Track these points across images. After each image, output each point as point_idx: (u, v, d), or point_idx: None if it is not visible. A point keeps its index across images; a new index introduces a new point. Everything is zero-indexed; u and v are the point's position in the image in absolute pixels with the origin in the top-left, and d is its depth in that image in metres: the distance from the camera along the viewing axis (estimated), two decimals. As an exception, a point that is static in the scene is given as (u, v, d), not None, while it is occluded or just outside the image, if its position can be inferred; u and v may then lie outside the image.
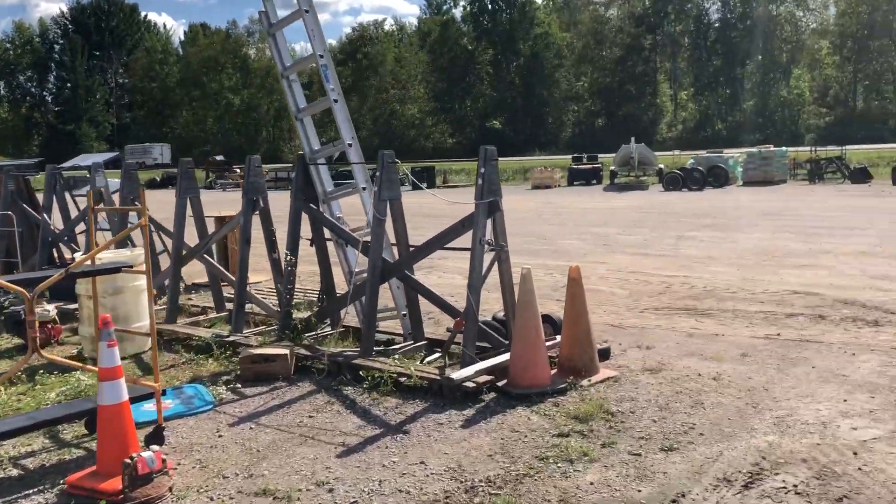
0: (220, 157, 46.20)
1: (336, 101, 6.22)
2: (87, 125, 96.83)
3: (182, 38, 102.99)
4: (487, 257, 5.55)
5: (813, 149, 28.41)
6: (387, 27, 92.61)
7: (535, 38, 75.34)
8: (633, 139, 29.08)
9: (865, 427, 4.27)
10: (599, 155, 34.17)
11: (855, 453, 3.91)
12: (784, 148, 29.10)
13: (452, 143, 78.87)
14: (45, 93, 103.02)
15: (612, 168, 30.01)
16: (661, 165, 29.04)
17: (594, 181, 31.23)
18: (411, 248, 5.97)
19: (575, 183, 31.63)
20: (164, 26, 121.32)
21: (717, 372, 5.39)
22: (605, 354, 5.81)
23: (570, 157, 35.63)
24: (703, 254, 11.24)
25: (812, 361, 5.60)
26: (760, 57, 65.21)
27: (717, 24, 70.72)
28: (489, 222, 5.47)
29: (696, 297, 8.11)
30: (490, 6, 78.85)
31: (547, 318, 6.14)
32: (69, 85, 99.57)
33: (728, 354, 5.86)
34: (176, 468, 4.03)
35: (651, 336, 6.52)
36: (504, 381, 5.12)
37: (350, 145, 6.25)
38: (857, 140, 44.96)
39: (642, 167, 29.64)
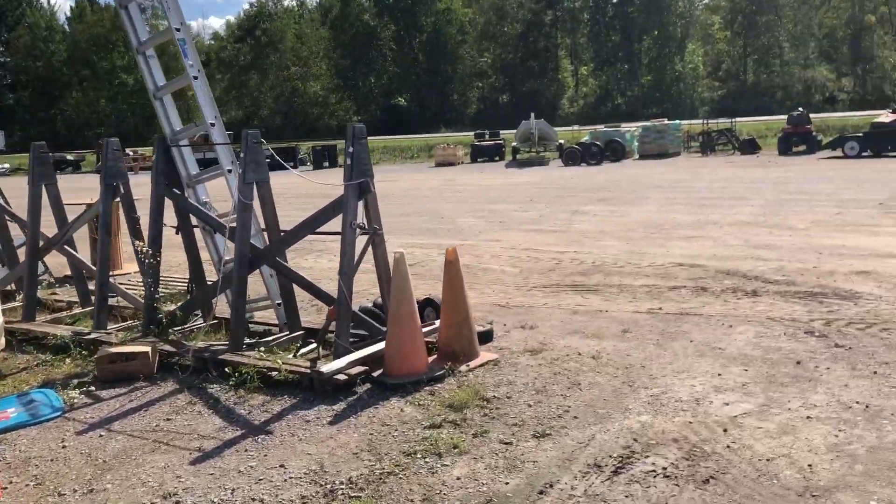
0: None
1: (196, 77, 5.80)
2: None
3: (68, 14, 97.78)
4: (362, 241, 5.29)
5: (705, 121, 29.25)
6: (286, 3, 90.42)
7: (438, 13, 74.85)
8: (532, 115, 29.21)
9: (737, 402, 4.25)
10: (503, 131, 34.25)
11: (725, 430, 3.87)
12: (678, 121, 29.87)
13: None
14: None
15: (514, 144, 30.13)
16: (562, 141, 29.33)
17: (497, 158, 31.29)
18: (282, 234, 5.65)
19: (479, 160, 31.63)
20: (48, 2, 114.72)
21: (598, 350, 5.32)
22: (487, 337, 5.66)
23: (473, 133, 35.57)
24: (595, 228, 11.30)
25: (690, 335, 5.60)
26: (657, 32, 66.75)
27: (614, 0, 71.94)
28: (360, 204, 5.19)
29: (584, 273, 8.09)
30: (390, -19, 77.94)
31: (429, 302, 5.95)
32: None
33: (609, 331, 5.81)
34: (6, 488, 3.64)
35: (536, 315, 6.42)
36: (379, 371, 4.89)
37: (213, 125, 5.85)
38: (748, 112, 46.64)
39: (543, 143, 29.87)
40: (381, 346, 5.03)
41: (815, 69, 63.05)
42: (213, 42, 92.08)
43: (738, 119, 31.16)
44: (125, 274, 9.32)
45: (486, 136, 33.04)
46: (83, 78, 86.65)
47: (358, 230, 5.12)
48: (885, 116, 22.93)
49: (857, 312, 5.98)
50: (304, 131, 73.07)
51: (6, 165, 47.34)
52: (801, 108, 27.47)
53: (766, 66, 66.05)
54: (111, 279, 6.58)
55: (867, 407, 4.08)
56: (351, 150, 5.13)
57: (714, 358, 5.04)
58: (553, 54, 74.77)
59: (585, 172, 22.87)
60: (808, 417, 3.98)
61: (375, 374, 4.86)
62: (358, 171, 5.14)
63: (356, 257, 5.15)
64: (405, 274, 4.90)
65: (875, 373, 4.60)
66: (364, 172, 5.17)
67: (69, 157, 45.60)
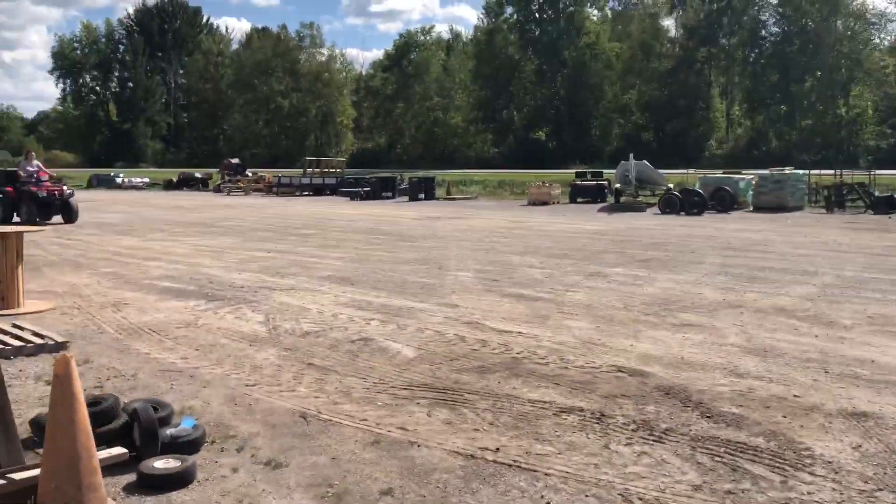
0: (235, 160, 45.24)
1: None
2: (143, 124, 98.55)
3: (242, 40, 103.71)
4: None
5: (837, 173, 25.37)
6: (440, 34, 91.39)
7: (582, 47, 72.67)
8: (631, 155, 26.51)
9: None
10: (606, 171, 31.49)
11: None
12: (801, 171, 26.13)
13: (495, 152, 76.83)
14: (107, 92, 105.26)
15: (616, 186, 27.56)
16: (670, 185, 26.41)
17: (599, 199, 28.80)
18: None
19: (578, 200, 29.26)
20: (226, 29, 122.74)
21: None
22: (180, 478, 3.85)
23: (574, 172, 33.06)
24: (585, 300, 9.06)
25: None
26: (818, 73, 61.06)
27: (773, 38, 66.78)
28: None
29: (483, 370, 6.03)
30: (537, 15, 76.57)
31: (135, 415, 4.23)
32: (130, 85, 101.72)
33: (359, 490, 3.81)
34: None
35: (315, 442, 4.50)
36: None
37: None
38: (918, 165, 40.98)
39: (648, 186, 27.13)
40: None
41: None
42: (370, 71, 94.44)
43: (883, 172, 26.85)
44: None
45: (588, 176, 30.58)
46: (245, 101, 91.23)
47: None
48: None
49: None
50: (442, 161, 72.88)
51: (146, 179, 49.84)
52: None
53: (948, 113, 58.67)
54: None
55: None
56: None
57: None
58: (704, 92, 70.41)
59: (669, 224, 20.09)
60: None
61: None
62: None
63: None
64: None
65: None
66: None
67: (197, 174, 47.27)
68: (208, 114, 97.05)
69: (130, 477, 3.94)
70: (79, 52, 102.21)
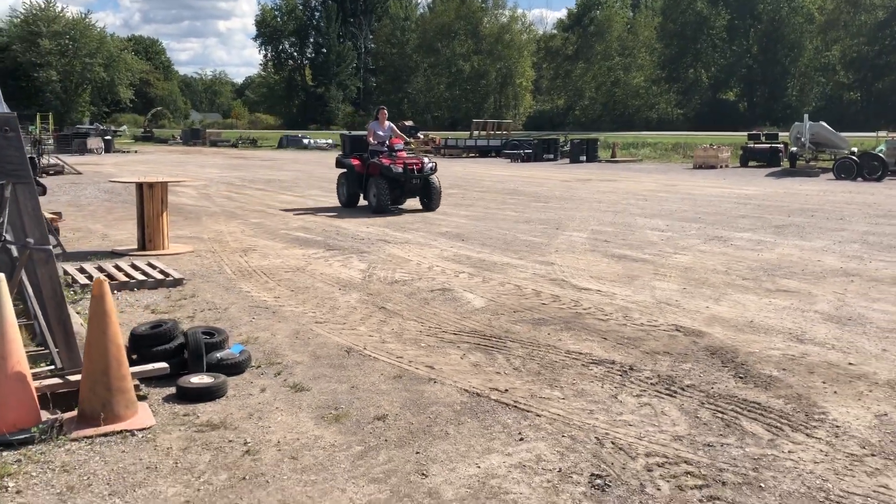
0: (408, 123, 46.71)
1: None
2: (335, 88, 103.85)
3: (429, 4, 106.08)
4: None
5: None
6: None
7: (779, 0, 67.47)
8: (805, 116, 24.55)
9: None
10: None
11: None
12: None
13: (678, 114, 73.68)
14: (303, 58, 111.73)
15: (792, 150, 25.77)
16: (853, 149, 24.31)
17: (773, 163, 27.07)
18: None
19: (750, 164, 27.67)
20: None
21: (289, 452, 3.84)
22: (206, 394, 4.45)
23: (747, 134, 30.94)
24: (688, 262, 8.86)
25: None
26: None
27: None
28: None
29: (537, 321, 6.21)
30: (729, -34, 71.92)
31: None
32: (324, 50, 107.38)
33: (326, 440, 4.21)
34: None
35: (344, 374, 4.96)
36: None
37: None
38: None
39: (830, 150, 25.13)
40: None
41: None
42: (552, 31, 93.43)
43: None
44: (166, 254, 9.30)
45: (762, 138, 28.72)
46: (428, 64, 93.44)
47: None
48: None
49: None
50: (622, 123, 71.07)
51: (329, 140, 52.73)
52: None
53: None
54: None
55: None
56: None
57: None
58: (920, 47, 63.22)
59: (836, 190, 18.62)
60: None
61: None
62: (-2, 173, 3.96)
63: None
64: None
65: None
66: (9, 173, 4.26)
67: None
68: (394, 77, 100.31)
69: (172, 389, 4.57)
70: (279, 19, 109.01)
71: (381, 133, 13.99)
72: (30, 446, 3.75)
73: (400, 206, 14.33)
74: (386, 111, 14.55)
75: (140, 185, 9.55)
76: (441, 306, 6.81)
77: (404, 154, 13.81)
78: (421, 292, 7.38)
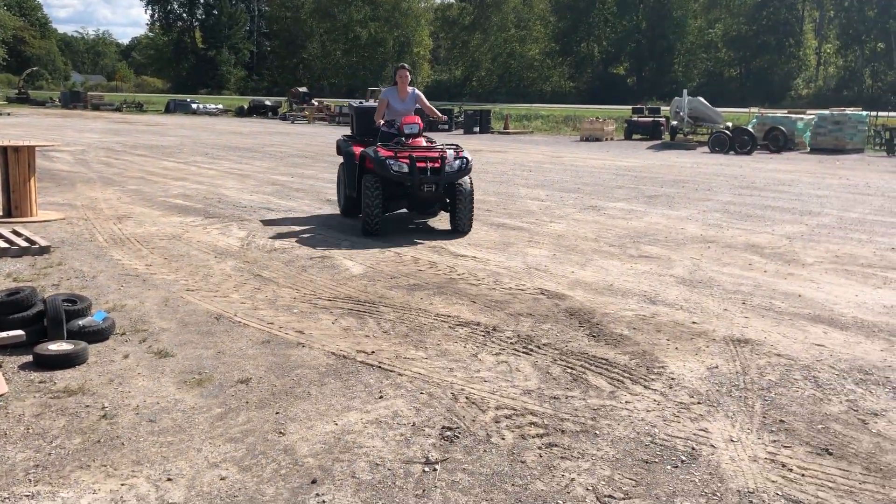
0: (302, 89, 46.01)
1: None
2: (227, 52, 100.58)
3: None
4: None
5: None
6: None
7: (666, -23, 69.79)
8: (684, 91, 25.74)
9: None
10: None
11: None
12: (863, 112, 24.85)
13: (571, 87, 75.41)
14: (194, 19, 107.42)
15: (673, 123, 26.91)
16: (728, 123, 25.62)
17: (655, 136, 28.20)
18: None
19: (634, 136, 28.74)
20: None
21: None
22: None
23: (631, 108, 32.21)
24: (562, 230, 9.23)
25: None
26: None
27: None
28: None
29: (413, 287, 6.37)
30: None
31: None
32: (215, 12, 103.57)
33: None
34: None
35: (209, 341, 4.98)
36: None
37: None
38: None
39: (704, 124, 26.39)
40: None
41: None
42: (449, 1, 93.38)
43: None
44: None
45: (645, 112, 29.88)
46: (324, 30, 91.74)
47: None
48: None
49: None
50: (517, 95, 72.06)
51: (220, 105, 51.24)
52: None
53: None
54: None
55: None
56: None
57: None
58: (794, 28, 66.94)
59: (708, 162, 19.64)
60: None
61: None
62: None
63: None
64: None
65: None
66: None
67: (267, 102, 48.31)
68: (289, 42, 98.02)
69: (29, 358, 4.49)
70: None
71: (398, 107, 9.14)
72: None
73: (425, 217, 9.86)
74: (408, 72, 9.40)
75: (4, 149, 9.11)
76: (318, 274, 6.88)
77: (422, 142, 8.84)
78: (299, 259, 7.42)
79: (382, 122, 9.21)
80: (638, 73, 73.61)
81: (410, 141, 8.76)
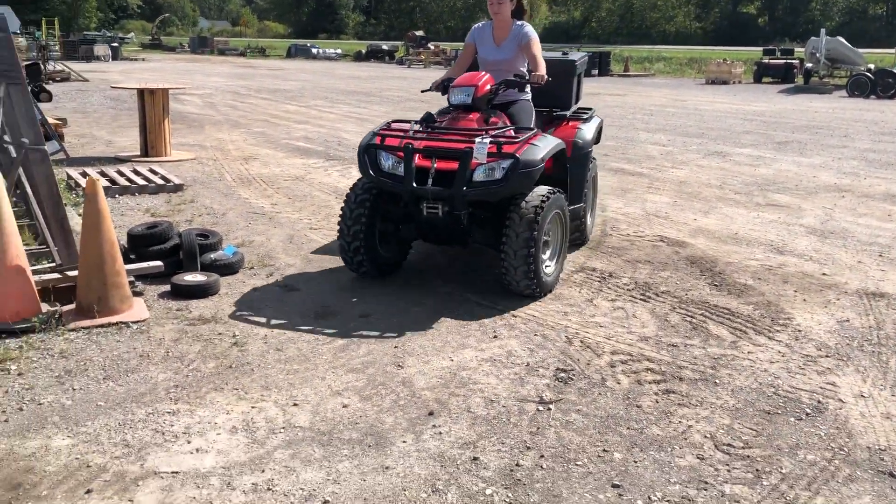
0: (419, 33, 45.93)
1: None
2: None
3: None
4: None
5: None
6: None
7: None
8: (822, 31, 24.02)
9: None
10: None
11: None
12: None
13: (697, 27, 71.97)
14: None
15: (808, 66, 25.29)
16: (870, 65, 23.83)
17: (788, 79, 26.61)
18: None
19: (764, 80, 27.22)
20: None
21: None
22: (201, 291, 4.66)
23: (762, 49, 30.33)
24: (684, 177, 8.94)
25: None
26: None
27: None
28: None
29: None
30: None
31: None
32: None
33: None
34: None
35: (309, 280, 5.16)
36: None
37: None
38: None
39: (844, 66, 24.66)
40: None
41: None
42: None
43: None
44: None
45: (777, 54, 28.15)
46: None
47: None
48: None
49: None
50: (638, 36, 69.54)
51: (338, 50, 51.95)
52: None
53: None
54: None
55: None
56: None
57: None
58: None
59: (846, 107, 18.38)
60: None
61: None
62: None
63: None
64: None
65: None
66: (1, 73, 4.35)
67: (384, 46, 48.58)
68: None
69: (166, 287, 4.78)
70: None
71: (490, 57, 5.49)
72: (31, 335, 3.99)
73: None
74: None
75: (141, 92, 9.60)
76: (434, 215, 6.94)
77: (474, 120, 4.93)
78: (415, 201, 7.50)
79: (438, 84, 5.51)
80: (770, 11, 69.31)
81: (458, 120, 4.93)
